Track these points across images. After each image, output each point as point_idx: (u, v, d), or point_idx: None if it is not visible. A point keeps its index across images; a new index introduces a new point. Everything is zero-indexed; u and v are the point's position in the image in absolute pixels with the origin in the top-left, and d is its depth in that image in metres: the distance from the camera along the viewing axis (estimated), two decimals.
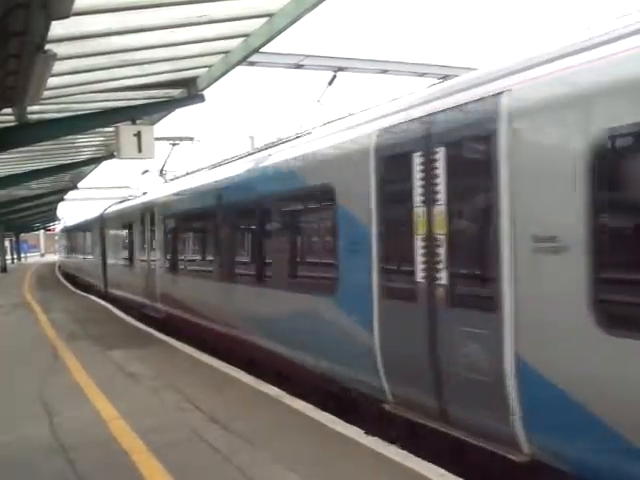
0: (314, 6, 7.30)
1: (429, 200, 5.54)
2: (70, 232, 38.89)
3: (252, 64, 11.01)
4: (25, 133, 10.95)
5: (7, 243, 57.30)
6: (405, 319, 5.86)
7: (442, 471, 5.02)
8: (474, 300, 5.22)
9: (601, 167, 4.08)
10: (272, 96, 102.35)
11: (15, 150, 12.99)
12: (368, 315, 6.35)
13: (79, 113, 11.39)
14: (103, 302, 20.22)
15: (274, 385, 7.97)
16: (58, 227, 56.89)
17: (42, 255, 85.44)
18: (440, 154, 5.41)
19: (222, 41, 8.77)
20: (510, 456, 4.77)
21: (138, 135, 11.14)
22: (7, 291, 25.75)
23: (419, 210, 5.66)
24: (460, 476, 4.95)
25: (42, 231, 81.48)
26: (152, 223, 15.31)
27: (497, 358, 4.81)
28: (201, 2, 7.03)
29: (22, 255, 69.08)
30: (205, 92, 11.00)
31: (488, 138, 4.90)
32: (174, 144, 19.70)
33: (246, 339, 9.54)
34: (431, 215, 5.52)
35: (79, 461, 5.54)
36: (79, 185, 28.62)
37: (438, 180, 5.44)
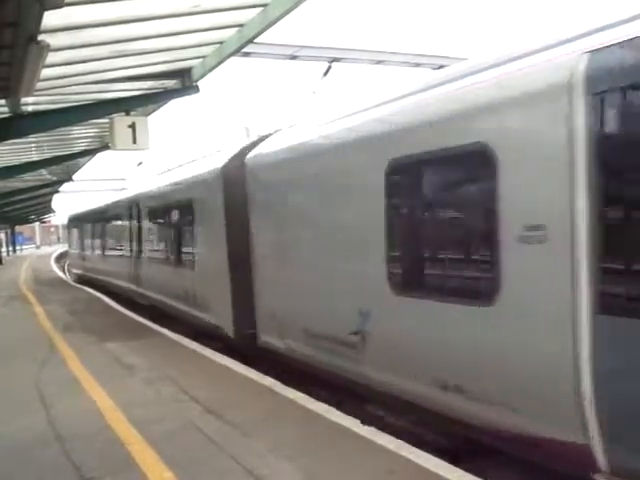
0: None
1: None
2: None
3: (247, 55, 10.99)
4: (19, 124, 10.90)
5: (2, 235, 57.05)
6: None
7: (436, 460, 5.06)
8: None
9: None
10: (267, 87, 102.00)
11: (9, 142, 12.94)
12: None
13: (73, 104, 11.34)
14: (98, 294, 20.20)
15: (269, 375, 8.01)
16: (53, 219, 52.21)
17: (38, 247, 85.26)
18: None
19: (216, 31, 8.74)
20: None
21: (132, 126, 11.10)
22: (2, 283, 25.71)
23: None
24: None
25: (37, 223, 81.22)
26: None
27: None
28: None
29: (17, 247, 68.85)
30: (200, 83, 10.97)
31: None
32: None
33: None
34: None
35: (75, 451, 5.57)
36: (74, 177, 28.50)
37: None
